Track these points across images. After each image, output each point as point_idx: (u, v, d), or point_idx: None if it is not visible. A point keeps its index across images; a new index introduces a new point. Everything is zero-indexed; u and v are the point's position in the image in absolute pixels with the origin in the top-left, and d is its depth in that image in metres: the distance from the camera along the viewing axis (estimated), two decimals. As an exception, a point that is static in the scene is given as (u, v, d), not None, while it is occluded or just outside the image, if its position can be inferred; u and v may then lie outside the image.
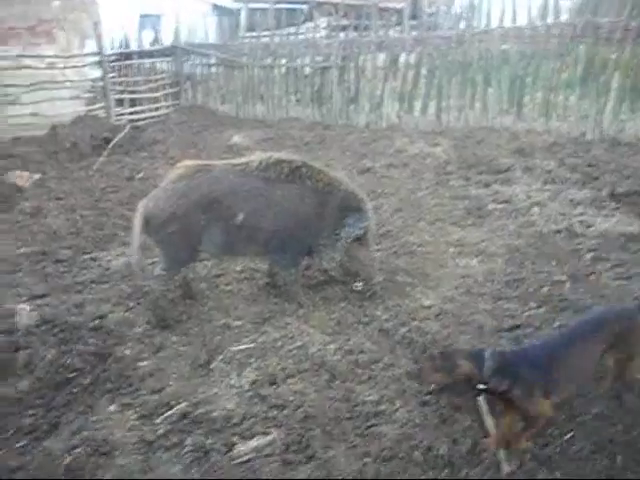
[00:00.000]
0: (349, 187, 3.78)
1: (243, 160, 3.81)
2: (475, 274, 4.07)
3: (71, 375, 3.14)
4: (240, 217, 3.53)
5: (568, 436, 2.59)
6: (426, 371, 2.38)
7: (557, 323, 3.44)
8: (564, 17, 8.27)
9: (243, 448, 2.47)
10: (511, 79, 8.24)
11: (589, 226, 4.54)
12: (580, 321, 2.69)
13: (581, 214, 4.77)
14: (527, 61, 8.21)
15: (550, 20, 7.99)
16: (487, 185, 5.74)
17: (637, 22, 7.19)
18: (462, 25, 8.74)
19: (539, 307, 3.65)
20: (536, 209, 4.97)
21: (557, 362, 2.41)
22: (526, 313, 3.58)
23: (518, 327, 3.45)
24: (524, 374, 2.34)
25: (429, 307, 3.67)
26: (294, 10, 15.25)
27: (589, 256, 4.12)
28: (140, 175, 6.70)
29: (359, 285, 3.84)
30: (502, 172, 6.06)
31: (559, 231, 4.52)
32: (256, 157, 3.77)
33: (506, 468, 2.45)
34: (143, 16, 16.16)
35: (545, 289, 3.82)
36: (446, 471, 2.41)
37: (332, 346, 3.16)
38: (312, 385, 2.85)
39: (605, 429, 2.57)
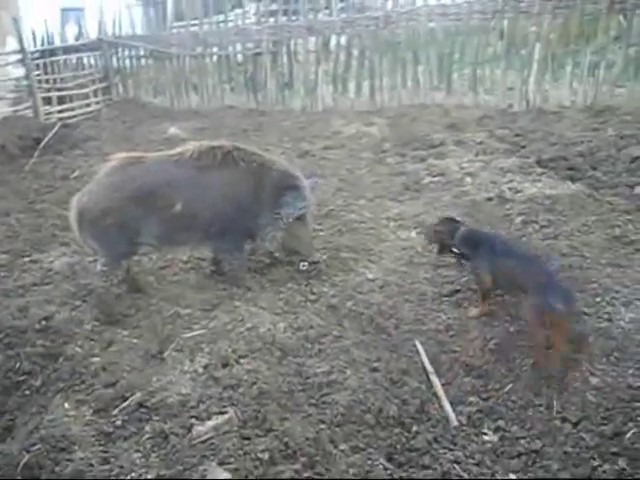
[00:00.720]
0: (283, 166, 3.85)
1: (176, 150, 3.82)
2: (415, 245, 4.24)
3: (21, 378, 3.11)
4: (177, 207, 3.55)
5: (507, 388, 2.78)
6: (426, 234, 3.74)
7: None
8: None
9: (201, 428, 2.53)
10: (439, 56, 8.48)
11: (518, 192, 4.79)
12: (534, 256, 3.46)
13: (510, 181, 5.01)
14: (453, 38, 8.46)
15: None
16: (422, 160, 5.93)
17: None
18: (389, 5, 8.90)
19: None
20: (468, 179, 5.19)
21: (503, 261, 3.14)
22: (464, 278, 3.77)
23: (458, 292, 3.63)
24: (480, 251, 3.25)
25: (373, 280, 3.80)
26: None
27: (519, 220, 4.35)
28: (75, 174, 6.55)
29: (305, 265, 3.93)
30: (436, 147, 6.26)
31: (490, 198, 4.75)
32: (189, 146, 3.78)
33: (454, 421, 2.61)
34: (65, 10, 15.63)
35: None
36: (397, 430, 2.56)
37: (282, 325, 3.25)
38: (264, 363, 2.93)
39: (540, 379, 2.78)
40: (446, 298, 3.58)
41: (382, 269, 3.94)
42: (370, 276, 3.85)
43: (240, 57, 10.01)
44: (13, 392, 3.05)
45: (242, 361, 2.94)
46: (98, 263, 3.79)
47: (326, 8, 10.08)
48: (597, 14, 7.52)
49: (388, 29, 8.60)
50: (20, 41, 8.84)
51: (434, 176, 5.45)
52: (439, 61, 8.49)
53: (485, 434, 2.56)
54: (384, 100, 8.74)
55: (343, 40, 9.15)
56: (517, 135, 6.40)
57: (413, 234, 4.43)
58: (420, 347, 3.09)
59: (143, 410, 2.72)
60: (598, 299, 3.34)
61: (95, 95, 10.31)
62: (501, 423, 2.61)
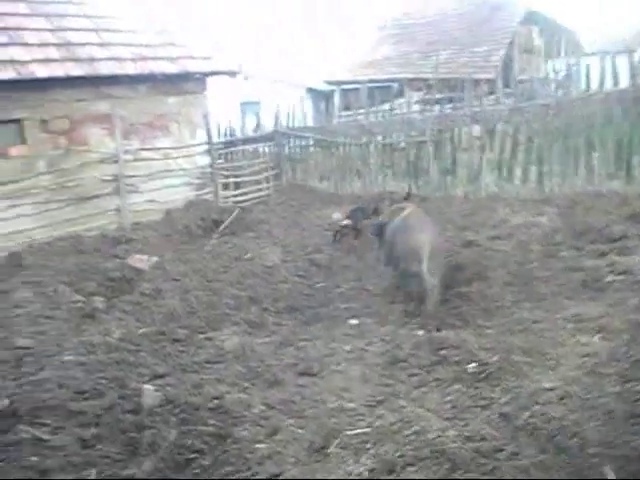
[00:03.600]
0: None
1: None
2: (598, 353, 3.83)
3: (192, 456, 3.23)
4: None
5: None
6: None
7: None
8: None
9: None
10: (617, 141, 7.97)
11: None
12: None
13: None
14: (632, 122, 7.94)
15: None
16: (602, 255, 5.47)
17: None
18: (560, 92, 8.67)
19: (675, 391, 3.35)
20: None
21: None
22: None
23: (654, 413, 3.18)
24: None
25: (551, 389, 3.46)
26: (386, 87, 15.84)
27: None
28: (248, 255, 7.01)
29: (473, 365, 3.72)
30: (617, 240, 5.75)
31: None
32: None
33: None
34: (244, 103, 17.42)
35: (680, 370, 3.52)
36: None
37: (451, 432, 3.05)
38: (433, 474, 2.75)
39: None
40: (639, 419, 3.14)
41: (561, 377, 3.59)
42: (547, 385, 3.51)
43: (403, 144, 10.28)
44: (184, 470, 3.17)
45: (409, 469, 2.78)
46: None
47: (490, 94, 10.11)
48: None
49: (559, 116, 8.33)
50: (208, 134, 9.96)
51: (618, 274, 4.97)
52: (617, 147, 7.97)
53: None
54: (553, 188, 8.36)
55: (509, 127, 9.02)
56: None
57: (596, 339, 4.01)
58: (612, 475, 2.71)
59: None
60: None
61: (267, 181, 11.15)
62: None
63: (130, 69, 9.13)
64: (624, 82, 8.13)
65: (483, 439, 2.99)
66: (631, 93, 7.83)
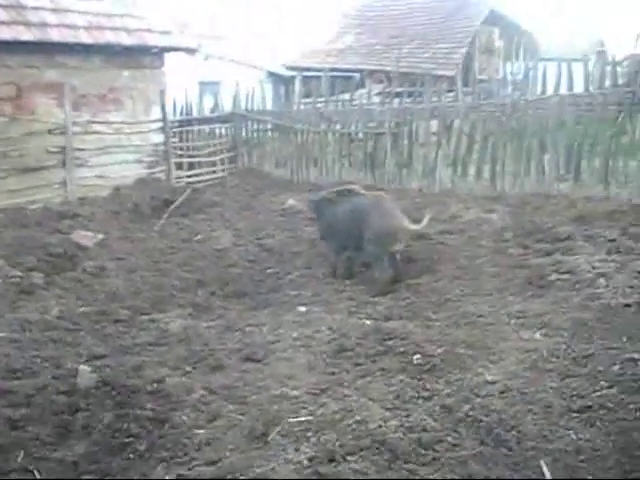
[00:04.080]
0: None
1: None
2: (540, 348, 3.90)
3: (127, 440, 3.13)
4: None
5: None
6: None
7: (632, 406, 3.24)
8: (620, 82, 8.25)
9: (303, 531, 2.36)
10: (568, 145, 8.17)
11: (661, 301, 4.33)
12: None
13: (651, 287, 4.56)
14: (584, 127, 8.15)
15: (607, 86, 7.97)
16: (548, 254, 5.59)
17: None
18: (516, 93, 8.82)
19: (611, 387, 3.44)
20: (602, 281, 4.78)
21: None
22: (597, 393, 3.39)
23: (589, 408, 3.25)
24: None
25: (492, 383, 3.51)
26: (347, 77, 15.77)
27: (663, 334, 3.90)
28: (197, 237, 6.86)
29: (419, 357, 3.74)
30: (562, 240, 5.89)
31: (628, 305, 4.31)
32: None
33: None
34: (203, 83, 17.04)
35: (616, 367, 3.61)
36: None
37: (393, 422, 3.05)
38: (373, 465, 2.72)
39: None
40: (576, 414, 3.21)
41: (502, 371, 3.64)
42: (489, 378, 3.56)
43: (361, 135, 10.26)
44: (118, 454, 3.06)
45: (349, 458, 2.76)
46: None
47: (449, 91, 10.20)
48: None
49: (514, 116, 8.47)
50: (163, 111, 9.68)
51: (561, 273, 5.09)
52: (567, 150, 8.18)
53: None
54: (505, 187, 8.51)
55: (466, 124, 9.12)
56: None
57: (538, 335, 4.09)
58: (547, 471, 2.75)
59: (243, 498, 2.60)
60: None
61: (222, 163, 10.95)
62: None
63: (84, 38, 8.77)
64: (578, 88, 8.33)
65: (424, 430, 2.99)
66: (584, 99, 8.03)
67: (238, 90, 11.39)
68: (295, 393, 3.45)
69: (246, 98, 11.48)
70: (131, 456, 3.05)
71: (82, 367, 3.76)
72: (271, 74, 19.75)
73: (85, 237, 6.71)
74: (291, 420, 3.11)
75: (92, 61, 9.23)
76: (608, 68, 8.36)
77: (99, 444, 3.11)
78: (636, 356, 3.69)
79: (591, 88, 8.09)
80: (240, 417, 3.27)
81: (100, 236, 6.82)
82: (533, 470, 2.78)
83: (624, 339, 3.89)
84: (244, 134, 11.36)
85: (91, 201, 8.17)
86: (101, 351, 4.15)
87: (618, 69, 9.32)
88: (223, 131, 11.44)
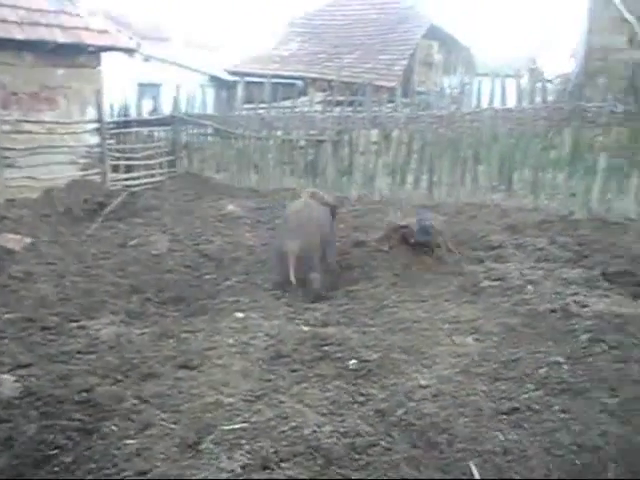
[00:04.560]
0: None
1: None
2: (471, 353, 4.02)
3: (52, 452, 3.00)
4: None
5: None
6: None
7: (556, 407, 3.38)
8: (550, 99, 8.64)
9: (234, 540, 2.32)
10: (501, 157, 8.49)
11: (584, 306, 4.53)
12: None
13: (575, 294, 4.77)
14: (516, 140, 8.49)
15: (538, 102, 8.34)
16: (480, 262, 5.77)
17: (621, 107, 7.51)
18: (453, 106, 9.09)
19: (537, 389, 3.58)
20: (530, 287, 4.98)
21: None
22: (524, 395, 3.52)
23: (517, 410, 3.37)
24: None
25: (425, 387, 3.58)
26: (290, 85, 15.81)
27: (585, 337, 4.08)
28: (133, 242, 6.68)
29: (354, 362, 3.77)
30: (494, 249, 6.11)
31: (554, 310, 4.51)
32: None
33: None
34: (142, 85, 16.67)
35: (542, 370, 3.77)
36: None
37: (327, 428, 3.05)
38: (306, 470, 2.72)
39: None
40: (504, 416, 3.32)
41: (435, 376, 3.72)
42: (423, 382, 3.63)
43: (303, 142, 10.30)
44: (42, 467, 2.93)
45: (283, 465, 2.74)
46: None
47: (390, 102, 10.39)
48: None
49: (450, 128, 8.73)
50: (99, 112, 9.40)
51: (493, 280, 5.26)
52: (500, 162, 8.49)
53: None
54: (442, 196, 8.74)
55: (405, 134, 9.32)
56: (580, 244, 6.20)
57: (469, 340, 4.21)
58: (475, 472, 2.83)
59: (173, 508, 2.54)
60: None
61: (161, 167, 10.73)
62: None
63: (16, 33, 8.41)
64: (511, 103, 8.67)
65: (358, 435, 3.02)
66: (516, 113, 8.36)
67: (179, 93, 11.20)
68: (230, 400, 3.40)
69: (187, 101, 11.31)
70: (56, 469, 2.92)
71: (5, 376, 3.58)
72: (213, 78, 19.55)
73: (12, 240, 6.41)
74: (224, 428, 3.07)
75: (24, 58, 8.87)
76: (539, 85, 8.74)
77: (22, 457, 2.96)
78: (560, 359, 3.86)
79: (524, 103, 8.43)
80: (172, 426, 3.19)
81: (28, 240, 6.53)
82: (463, 471, 2.85)
83: (550, 343, 4.06)
84: (184, 138, 11.18)
85: (20, 203, 7.81)
86: (26, 359, 3.95)
87: (549, 85, 9.79)
88: (162, 134, 11.21)
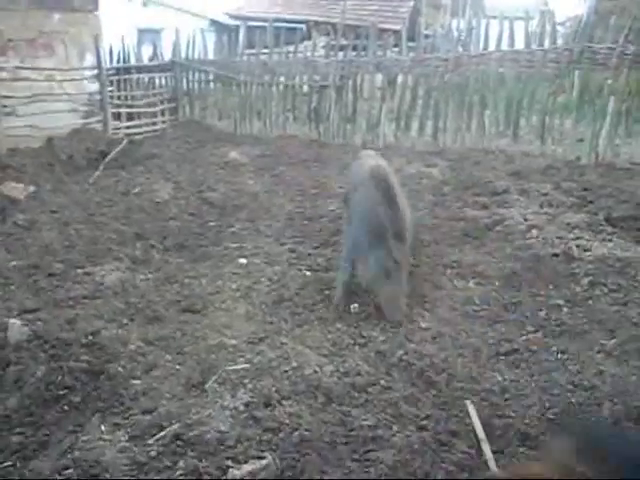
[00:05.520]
0: None
1: None
2: (472, 297, 4.05)
3: (61, 393, 3.08)
4: None
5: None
6: None
7: (554, 348, 3.43)
8: (560, 42, 8.38)
9: (237, 472, 2.41)
10: (508, 102, 8.31)
11: (586, 250, 4.53)
12: None
13: (578, 238, 4.76)
14: (523, 84, 8.29)
15: (547, 45, 8.10)
16: (484, 207, 5.74)
17: (633, 48, 7.29)
18: (460, 48, 8.84)
19: (536, 331, 3.63)
20: (533, 232, 4.96)
21: None
22: (523, 337, 3.56)
23: (516, 351, 3.43)
24: None
25: (426, 329, 3.64)
26: (293, 29, 15.36)
27: (586, 280, 4.10)
28: (136, 190, 6.66)
29: (356, 307, 3.81)
30: (499, 194, 6.06)
31: (556, 255, 4.51)
32: None
33: None
34: (142, 30, 16.27)
35: (542, 313, 3.81)
36: (444, 499, 2.37)
37: (328, 368, 3.12)
38: (308, 408, 2.80)
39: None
40: (502, 357, 3.38)
41: (436, 318, 3.77)
42: (423, 325, 3.69)
43: (306, 88, 10.10)
44: (52, 406, 3.02)
45: (285, 403, 2.81)
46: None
47: (395, 46, 10.11)
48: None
49: (457, 72, 8.52)
50: (98, 58, 9.21)
51: (496, 225, 5.25)
52: (507, 107, 8.32)
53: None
54: (447, 142, 8.62)
55: (410, 79, 9.11)
56: (585, 189, 6.13)
57: (471, 284, 4.24)
58: (472, 409, 2.89)
59: (179, 443, 2.62)
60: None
61: (162, 114, 10.59)
62: None
63: (8, -25, 8.16)
64: (520, 46, 8.40)
65: (358, 374, 3.08)
66: (524, 55, 8.12)
67: (178, 37, 10.93)
68: (233, 342, 3.47)
69: (187, 46, 11.05)
70: (65, 408, 3.01)
71: (12, 321, 3.65)
72: (214, 23, 19.04)
73: (16, 189, 6.41)
74: (228, 368, 3.14)
75: (19, 2, 8.63)
76: (548, 27, 8.45)
77: (32, 397, 3.05)
78: (560, 302, 3.89)
79: (533, 46, 8.18)
80: (177, 367, 3.27)
81: (32, 188, 6.52)
82: (461, 409, 2.92)
83: (551, 287, 4.09)
84: (185, 85, 10.98)
85: (22, 152, 7.75)
86: (33, 305, 4.02)
87: (559, 28, 9.46)
88: (163, 81, 11.01)
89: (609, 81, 7.67)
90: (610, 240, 4.72)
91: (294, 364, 3.12)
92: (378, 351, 3.37)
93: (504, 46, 8.38)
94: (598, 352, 3.35)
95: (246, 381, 3.02)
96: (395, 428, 2.70)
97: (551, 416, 2.86)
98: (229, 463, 2.47)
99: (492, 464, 2.56)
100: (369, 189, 3.91)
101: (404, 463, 2.47)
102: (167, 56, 11.21)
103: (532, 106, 8.29)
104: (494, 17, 9.93)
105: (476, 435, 2.72)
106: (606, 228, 5.02)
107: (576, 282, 4.13)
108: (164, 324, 3.81)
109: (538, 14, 10.46)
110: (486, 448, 2.64)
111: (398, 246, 3.66)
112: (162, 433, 2.68)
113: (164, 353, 3.41)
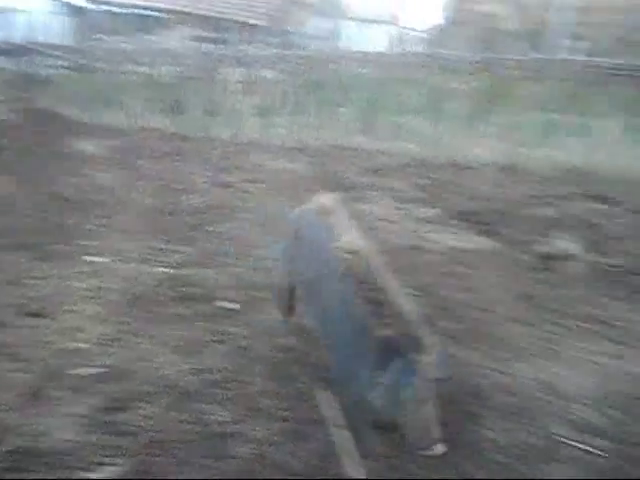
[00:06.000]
0: None
1: None
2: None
3: None
4: None
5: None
6: None
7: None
8: (419, 48, 8.92)
9: (84, 482, 2.26)
10: (367, 100, 8.67)
11: (436, 242, 4.86)
12: None
13: (429, 231, 5.09)
14: (381, 84, 8.70)
15: (406, 49, 8.58)
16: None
17: (482, 55, 7.96)
18: (322, 46, 9.07)
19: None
20: (386, 226, 5.22)
21: None
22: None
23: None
24: None
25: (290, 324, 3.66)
26: (154, 17, 14.79)
27: (436, 271, 4.39)
28: (-29, 184, 6.00)
29: (219, 304, 3.75)
30: (355, 189, 6.29)
31: (409, 247, 4.78)
32: None
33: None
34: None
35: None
36: (300, 488, 2.40)
37: (186, 366, 3.03)
38: (162, 408, 2.70)
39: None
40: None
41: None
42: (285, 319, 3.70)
43: (167, 79, 9.76)
44: None
45: (139, 404, 2.69)
46: None
47: (259, 40, 10.15)
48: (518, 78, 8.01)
49: (316, 70, 8.72)
50: None
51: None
52: (366, 105, 8.67)
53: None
54: (308, 138, 8.77)
55: (272, 74, 9.16)
56: (436, 186, 6.57)
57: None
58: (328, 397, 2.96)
59: (18, 458, 2.40)
60: (503, 354, 3.39)
61: (4, 102, 9.64)
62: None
63: None
64: (380, 49, 8.81)
65: (218, 371, 3.03)
66: (380, 58, 8.53)
67: (27, 19, 10.05)
68: (83, 346, 3.25)
69: (36, 29, 10.19)
70: None
71: None
72: (66, 5, 17.75)
73: None
74: (74, 373, 2.93)
75: None
76: (406, 32, 8.95)
77: None
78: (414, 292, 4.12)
79: (393, 49, 8.61)
80: (18, 374, 2.99)
81: None
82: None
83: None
84: (30, 69, 10.12)
85: None
86: None
87: (419, 34, 10.05)
88: (8, 66, 10.06)
89: (461, 85, 8.30)
90: (457, 233, 5.10)
91: (149, 364, 2.99)
92: (239, 347, 3.34)
93: (363, 47, 8.74)
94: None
95: (96, 385, 2.84)
96: (254, 422, 2.68)
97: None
98: (77, 474, 2.31)
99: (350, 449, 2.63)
100: (347, 292, 2.52)
101: (261, 455, 2.47)
102: (11, 38, 10.27)
103: (389, 105, 8.72)
104: (358, 20, 10.33)
105: (333, 422, 2.79)
106: (454, 222, 5.41)
107: (428, 272, 4.40)
108: (5, 330, 3.46)
109: (397, 19, 11.07)
110: (343, 434, 2.71)
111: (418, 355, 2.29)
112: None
113: (2, 361, 3.11)
